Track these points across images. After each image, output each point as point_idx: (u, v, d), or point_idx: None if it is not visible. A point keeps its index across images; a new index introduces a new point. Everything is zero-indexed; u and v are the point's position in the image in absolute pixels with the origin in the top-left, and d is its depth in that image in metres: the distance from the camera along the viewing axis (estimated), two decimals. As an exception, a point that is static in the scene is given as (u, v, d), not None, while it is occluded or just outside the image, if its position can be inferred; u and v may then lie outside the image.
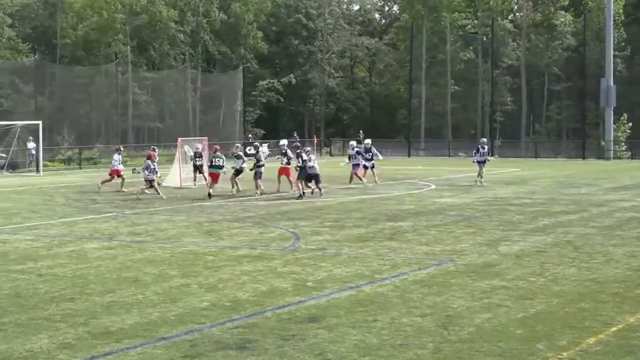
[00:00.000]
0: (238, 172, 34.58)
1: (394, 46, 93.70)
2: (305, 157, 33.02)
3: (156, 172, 33.20)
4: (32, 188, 40.14)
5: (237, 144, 38.02)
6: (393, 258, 18.89)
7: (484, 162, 38.90)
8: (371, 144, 41.32)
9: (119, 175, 37.12)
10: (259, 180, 34.31)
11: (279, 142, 42.72)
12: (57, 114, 68.29)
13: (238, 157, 35.07)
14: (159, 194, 32.77)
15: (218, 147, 36.75)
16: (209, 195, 32.88)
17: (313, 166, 33.12)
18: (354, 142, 39.71)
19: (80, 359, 11.09)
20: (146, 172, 32.92)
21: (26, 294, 15.23)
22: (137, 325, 12.82)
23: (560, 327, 12.59)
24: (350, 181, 38.48)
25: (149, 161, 33.30)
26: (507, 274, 16.87)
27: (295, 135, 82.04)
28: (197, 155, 40.67)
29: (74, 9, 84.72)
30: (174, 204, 31.52)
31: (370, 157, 39.91)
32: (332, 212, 28.32)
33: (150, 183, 32.77)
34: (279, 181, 35.66)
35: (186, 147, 42.32)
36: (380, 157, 42.46)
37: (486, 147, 40.13)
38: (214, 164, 35.14)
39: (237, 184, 34.99)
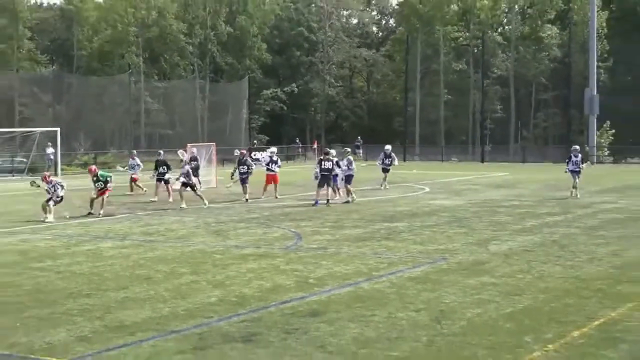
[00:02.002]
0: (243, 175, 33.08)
1: (390, 57, 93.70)
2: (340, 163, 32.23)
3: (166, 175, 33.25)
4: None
5: (241, 150, 36.72)
6: (389, 256, 18.93)
7: (579, 172, 34.37)
8: (391, 150, 39.95)
9: (135, 181, 37.02)
10: (246, 185, 32.54)
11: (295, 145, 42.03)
12: (74, 122, 68.31)
13: (242, 162, 32.93)
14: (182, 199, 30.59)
15: (245, 152, 35.48)
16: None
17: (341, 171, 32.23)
18: (350, 155, 35.51)
19: (96, 351, 11.12)
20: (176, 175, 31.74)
21: (46, 290, 15.28)
22: (149, 320, 12.86)
23: (546, 322, 12.62)
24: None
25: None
26: (496, 271, 16.91)
27: (298, 141, 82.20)
28: (193, 159, 40.90)
29: (90, 23, 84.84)
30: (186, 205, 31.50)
31: (389, 162, 38.86)
32: (332, 214, 28.34)
33: (192, 188, 30.28)
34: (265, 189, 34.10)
35: (179, 152, 42.23)
36: (397, 162, 40.74)
37: (580, 155, 35.07)
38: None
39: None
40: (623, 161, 70.92)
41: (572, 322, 12.57)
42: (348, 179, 32.28)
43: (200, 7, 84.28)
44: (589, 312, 13.21)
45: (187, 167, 27.23)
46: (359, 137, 74.60)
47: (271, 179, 34.32)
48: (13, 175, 54.28)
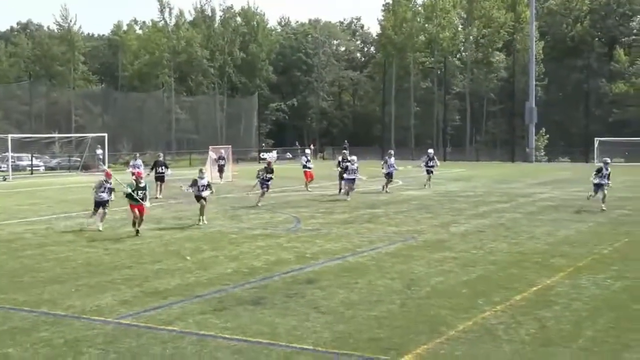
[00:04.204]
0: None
1: (371, 77, 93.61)
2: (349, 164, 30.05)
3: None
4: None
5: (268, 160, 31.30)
6: (370, 236, 18.93)
7: (603, 185, 24.62)
8: (433, 154, 36.50)
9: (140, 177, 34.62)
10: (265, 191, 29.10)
11: (304, 151, 39.32)
12: (118, 128, 68.29)
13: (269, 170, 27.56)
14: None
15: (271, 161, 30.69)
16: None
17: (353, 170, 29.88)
18: (354, 158, 31.80)
19: (135, 312, 11.11)
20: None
21: (95, 263, 15.26)
22: (178, 287, 12.84)
23: (495, 288, 12.62)
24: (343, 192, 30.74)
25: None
26: (455, 248, 16.92)
27: (297, 144, 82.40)
28: (221, 158, 40.78)
29: (132, 50, 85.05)
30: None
31: (432, 164, 35.06)
32: (325, 202, 28.34)
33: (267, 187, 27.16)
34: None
35: (211, 153, 42.33)
36: (439, 163, 37.34)
37: (610, 169, 24.84)
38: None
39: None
40: (555, 160, 71.09)
41: (515, 288, 12.58)
42: (352, 181, 29.83)
43: (220, 38, 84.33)
44: (529, 280, 13.21)
45: (205, 180, 21.87)
46: (346, 141, 74.47)
47: (308, 175, 34.18)
48: (70, 171, 54.29)
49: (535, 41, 74.06)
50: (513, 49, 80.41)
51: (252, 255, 15.98)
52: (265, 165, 27.77)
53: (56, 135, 61.38)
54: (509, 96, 78.34)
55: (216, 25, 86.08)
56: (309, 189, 33.39)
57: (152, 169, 31.49)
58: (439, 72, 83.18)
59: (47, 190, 36.27)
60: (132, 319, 10.73)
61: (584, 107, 74.45)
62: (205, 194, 21.86)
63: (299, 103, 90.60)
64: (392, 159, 33.11)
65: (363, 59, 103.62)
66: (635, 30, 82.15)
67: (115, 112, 73.24)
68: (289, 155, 75.56)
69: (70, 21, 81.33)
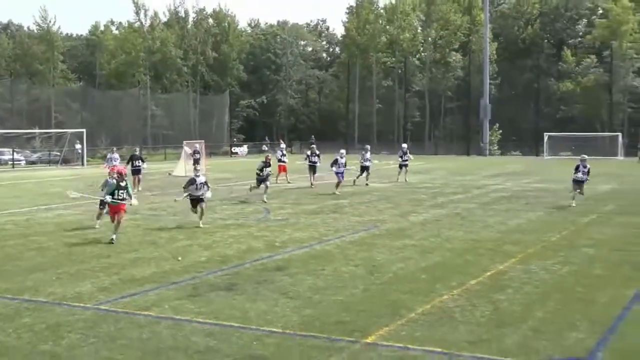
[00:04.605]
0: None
1: (336, 76, 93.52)
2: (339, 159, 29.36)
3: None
4: (78, 177, 39.71)
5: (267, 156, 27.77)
6: (335, 225, 18.98)
7: (583, 182, 23.53)
8: (407, 148, 35.93)
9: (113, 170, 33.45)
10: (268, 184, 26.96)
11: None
12: (96, 124, 67.41)
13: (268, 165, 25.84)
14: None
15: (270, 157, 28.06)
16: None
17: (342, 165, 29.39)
18: (343, 151, 31.32)
19: (113, 298, 11.05)
20: None
21: (75, 252, 15.12)
22: (154, 274, 12.79)
23: (451, 273, 12.73)
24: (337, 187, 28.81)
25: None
26: (415, 236, 17.02)
27: (267, 139, 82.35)
28: (196, 152, 40.58)
29: (109, 49, 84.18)
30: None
31: (407, 159, 34.52)
32: (293, 194, 28.32)
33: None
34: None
35: (186, 148, 42.12)
36: (412, 157, 35.94)
37: (588, 165, 23.67)
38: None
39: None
40: (507, 153, 71.74)
41: (471, 273, 12.70)
42: (343, 174, 29.19)
43: (193, 38, 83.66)
44: (483, 266, 13.34)
45: (202, 178, 19.00)
46: (313, 136, 74.36)
47: (282, 168, 34.04)
48: (50, 165, 53.69)
49: (489, 42, 74.60)
50: (469, 50, 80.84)
51: (225, 244, 15.94)
52: (264, 160, 25.62)
53: (37, 130, 60.54)
54: (465, 94, 78.86)
55: (189, 26, 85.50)
56: (290, 181, 33.40)
57: (128, 162, 30.86)
58: (399, 72, 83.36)
59: (28, 184, 35.82)
60: (110, 305, 10.67)
61: (534, 104, 75.20)
62: (207, 195, 18.93)
63: (268, 100, 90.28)
64: (368, 153, 33.01)
65: (328, 58, 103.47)
66: (581, 33, 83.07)
67: (93, 108, 72.30)
68: (265, 147, 75.77)
69: (50, 22, 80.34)
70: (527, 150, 69.85)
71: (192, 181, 18.91)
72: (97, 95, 75.45)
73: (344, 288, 11.65)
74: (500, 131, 73.45)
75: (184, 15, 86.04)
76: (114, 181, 16.90)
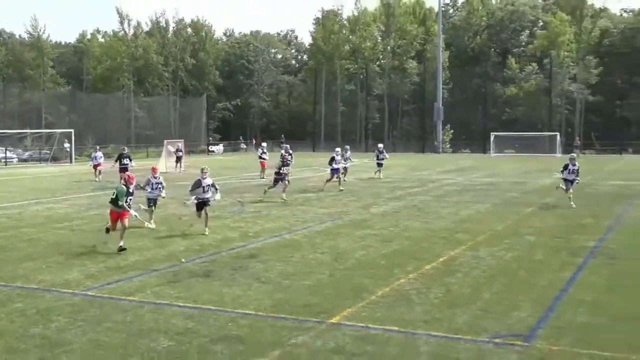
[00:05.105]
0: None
1: (304, 81, 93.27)
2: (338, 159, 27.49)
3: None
4: (67, 174, 39.17)
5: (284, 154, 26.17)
6: (303, 217, 18.97)
7: (573, 182, 21.30)
8: (383, 147, 34.41)
9: (96, 167, 32.31)
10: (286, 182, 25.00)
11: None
12: (84, 125, 66.44)
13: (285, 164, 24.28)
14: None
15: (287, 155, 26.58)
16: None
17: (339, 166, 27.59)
18: (338, 149, 28.65)
19: (99, 284, 10.94)
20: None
21: (63, 243, 14.94)
22: (137, 262, 12.68)
23: (408, 259, 12.80)
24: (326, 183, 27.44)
25: None
26: (375, 226, 17.08)
27: (241, 138, 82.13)
28: (178, 150, 40.32)
29: (95, 56, 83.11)
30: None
31: (382, 157, 33.06)
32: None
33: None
34: None
35: (169, 147, 41.81)
36: (388, 156, 34.42)
37: (577, 164, 21.58)
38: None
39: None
40: (458, 151, 72.21)
41: (426, 259, 12.78)
42: (337, 170, 27.41)
43: (173, 46, 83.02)
44: (437, 252, 13.43)
45: (209, 180, 16.22)
46: (283, 136, 74.13)
47: (263, 164, 33.63)
48: (40, 163, 52.92)
49: (442, 51, 74.95)
50: (423, 58, 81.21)
51: (202, 234, 15.83)
52: (281, 159, 24.02)
53: (28, 131, 59.61)
54: (420, 98, 79.24)
55: (170, 35, 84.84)
56: (263, 177, 33.12)
57: (116, 161, 30.51)
58: (361, 77, 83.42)
59: (20, 180, 35.23)
60: (96, 291, 10.55)
61: (482, 107, 75.73)
62: (216, 197, 16.51)
63: (242, 103, 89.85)
64: (348, 152, 32.22)
65: (297, 65, 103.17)
66: (523, 43, 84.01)
67: (80, 111, 71.28)
68: (243, 146, 75.26)
69: (40, 30, 79.10)
70: (476, 148, 70.35)
71: (198, 183, 16.12)
72: (84, 98, 74.51)
73: (311, 273, 11.65)
74: (452, 131, 73.89)
75: (164, 25, 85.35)
76: (124, 188, 14.24)
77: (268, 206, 21.59)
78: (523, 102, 75.89)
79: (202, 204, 16.07)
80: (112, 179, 31.05)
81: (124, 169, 29.57)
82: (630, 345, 8.01)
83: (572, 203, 20.65)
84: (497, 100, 78.54)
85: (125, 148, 32.11)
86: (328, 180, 27.10)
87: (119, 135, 70.18)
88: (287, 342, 8.10)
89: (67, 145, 54.66)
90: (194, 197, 16.29)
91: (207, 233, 15.71)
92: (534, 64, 77.28)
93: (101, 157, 32.90)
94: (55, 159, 53.92)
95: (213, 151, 74.24)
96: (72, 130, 53.22)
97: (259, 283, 10.98)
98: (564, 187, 21.37)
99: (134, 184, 14.80)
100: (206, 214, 16.05)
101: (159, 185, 17.46)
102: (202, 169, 16.47)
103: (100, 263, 12.59)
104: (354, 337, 8.29)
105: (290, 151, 31.34)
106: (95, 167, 32.43)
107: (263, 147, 36.06)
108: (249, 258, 13.00)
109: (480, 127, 72.72)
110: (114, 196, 14.14)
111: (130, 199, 14.30)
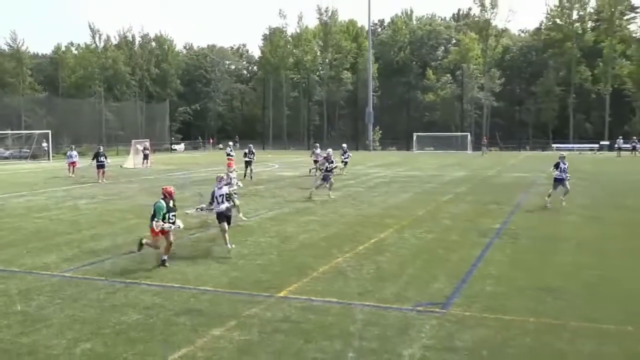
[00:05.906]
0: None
1: (254, 89, 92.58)
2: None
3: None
4: (45, 170, 37.93)
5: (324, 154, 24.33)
6: (255, 206, 18.84)
7: (563, 180, 18.14)
8: (347, 147, 32.56)
9: (73, 165, 30.94)
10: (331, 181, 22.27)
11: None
12: (60, 127, 64.30)
13: (330, 161, 21.91)
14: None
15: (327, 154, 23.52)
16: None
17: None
18: (330, 150, 23.70)
19: (75, 267, 10.66)
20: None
21: (42, 230, 14.48)
22: (109, 247, 12.39)
23: (345, 241, 12.86)
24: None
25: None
26: (317, 212, 17.11)
27: (200, 138, 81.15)
28: (146, 148, 39.63)
29: (69, 66, 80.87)
30: (131, 178, 30.38)
31: (347, 156, 31.45)
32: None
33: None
34: None
35: (137, 145, 41.00)
36: (351, 155, 33.03)
37: (567, 162, 18.41)
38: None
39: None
40: (386, 149, 72.91)
41: (359, 240, 12.87)
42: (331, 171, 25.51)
43: (139, 57, 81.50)
44: (368, 235, 13.54)
45: (225, 189, 12.08)
46: (237, 136, 73.42)
47: (230, 163, 31.73)
48: (20, 160, 51.15)
49: (372, 63, 75.51)
50: (356, 69, 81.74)
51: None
52: (325, 156, 22.23)
53: (9, 132, 57.51)
54: (354, 103, 79.74)
55: (136, 48, 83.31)
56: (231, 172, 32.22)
57: (93, 158, 29.21)
58: (303, 85, 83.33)
59: (1, 175, 33.95)
60: (73, 272, 10.28)
61: (406, 111, 76.69)
62: (232, 210, 12.71)
63: (200, 108, 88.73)
64: (318, 149, 31.34)
65: (248, 75, 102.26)
66: (440, 57, 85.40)
67: (57, 114, 68.99)
68: (220, 146, 74.21)
69: (19, 43, 76.56)
70: (401, 146, 71.19)
71: (212, 195, 12.25)
72: (59, 103, 72.25)
73: (262, 254, 11.61)
74: (381, 131, 74.57)
75: (131, 39, 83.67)
76: (162, 203, 10.85)
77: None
78: (440, 107, 77.31)
79: (222, 216, 11.83)
80: (85, 174, 30.31)
81: (100, 165, 28.70)
82: (529, 309, 8.27)
83: (548, 204, 17.86)
84: (419, 105, 79.66)
85: (102, 147, 31.13)
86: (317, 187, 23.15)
87: (92, 136, 68.41)
88: (242, 314, 8.06)
89: (44, 144, 53.00)
90: (198, 207, 14.34)
91: (229, 254, 11.38)
92: (449, 75, 78.74)
93: (76, 155, 31.85)
94: (34, 157, 52.23)
95: (175, 149, 73.22)
96: (50, 131, 51.65)
97: (217, 263, 10.89)
98: (553, 188, 18.31)
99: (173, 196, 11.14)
100: (223, 230, 11.72)
101: (228, 197, 12.22)
102: (218, 177, 12.63)
103: (76, 248, 12.26)
104: (299, 308, 8.30)
105: (254, 150, 29.44)
106: (70, 164, 31.35)
107: (230, 145, 32.84)
108: (208, 242, 12.86)
109: (404, 128, 73.62)
110: (152, 213, 10.84)
111: (174, 215, 10.95)
